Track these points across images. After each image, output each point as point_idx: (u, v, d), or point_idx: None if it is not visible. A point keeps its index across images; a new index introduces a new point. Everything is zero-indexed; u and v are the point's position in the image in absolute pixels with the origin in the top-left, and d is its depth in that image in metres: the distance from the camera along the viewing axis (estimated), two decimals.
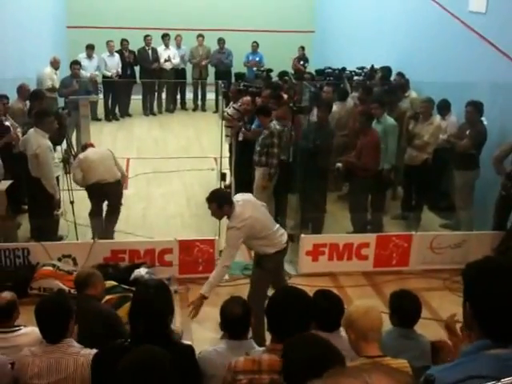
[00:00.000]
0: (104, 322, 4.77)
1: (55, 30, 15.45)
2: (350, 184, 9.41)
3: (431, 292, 7.55)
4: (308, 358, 2.93)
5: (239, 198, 6.29)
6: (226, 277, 7.68)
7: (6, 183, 7.47)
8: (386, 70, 11.48)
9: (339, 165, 8.73)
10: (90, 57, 14.65)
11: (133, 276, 7.14)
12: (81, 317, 4.22)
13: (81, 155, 8.32)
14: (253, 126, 9.04)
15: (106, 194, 8.28)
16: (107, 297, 6.19)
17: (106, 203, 8.48)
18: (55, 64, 12.57)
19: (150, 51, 15.59)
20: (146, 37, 15.57)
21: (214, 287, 6.05)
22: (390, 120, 9.06)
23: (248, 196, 6.42)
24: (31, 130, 7.90)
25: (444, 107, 9.33)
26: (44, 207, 7.86)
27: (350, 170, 8.67)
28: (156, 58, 15.60)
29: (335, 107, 9.90)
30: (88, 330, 4.34)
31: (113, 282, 6.74)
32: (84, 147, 8.71)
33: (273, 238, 6.16)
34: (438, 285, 7.79)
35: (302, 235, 7.89)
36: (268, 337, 4.03)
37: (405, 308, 4.59)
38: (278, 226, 6.35)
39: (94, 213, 8.41)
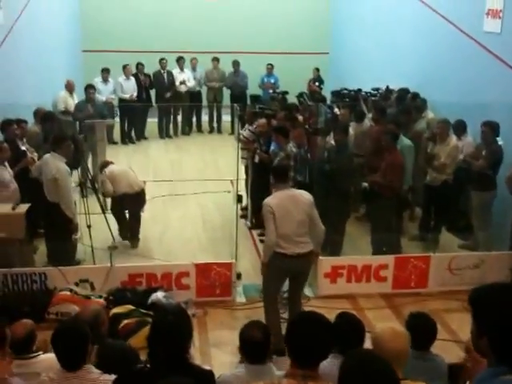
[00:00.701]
0: (123, 358, 4.71)
1: (71, 54, 15.62)
2: (371, 205, 9.33)
3: (450, 313, 7.50)
4: (368, 375, 2.87)
5: (297, 191, 6.54)
6: (244, 300, 7.70)
7: (24, 206, 7.48)
8: (403, 91, 11.47)
9: (365, 185, 8.70)
10: (105, 80, 14.79)
11: (150, 300, 7.11)
12: (101, 357, 4.18)
13: (106, 170, 8.97)
14: (272, 148, 9.04)
15: (134, 202, 9.00)
16: (125, 321, 6.20)
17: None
18: (69, 87, 12.68)
19: (165, 74, 15.69)
20: (161, 60, 15.69)
21: (269, 255, 6.29)
22: (406, 141, 9.04)
23: (301, 195, 6.42)
24: (47, 155, 7.95)
25: (459, 128, 9.29)
26: (62, 232, 7.89)
27: (374, 190, 8.62)
28: (172, 82, 15.69)
29: (351, 128, 9.91)
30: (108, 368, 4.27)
31: (131, 307, 6.72)
32: (105, 164, 9.11)
33: (286, 240, 6.21)
34: (457, 306, 7.67)
35: (320, 257, 7.84)
36: None
37: (419, 330, 4.56)
38: (302, 237, 6.30)
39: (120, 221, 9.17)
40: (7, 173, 7.89)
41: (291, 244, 6.24)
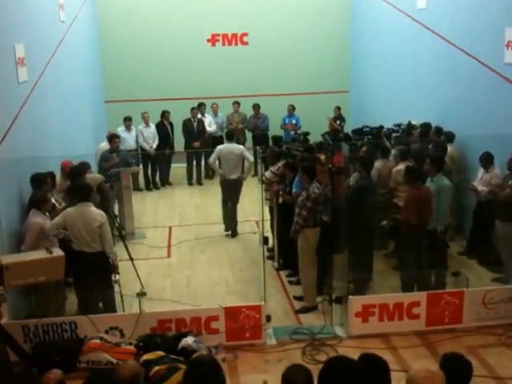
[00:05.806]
0: None
1: (94, 106, 15.81)
2: (396, 241, 9.22)
3: (487, 349, 7.31)
4: None
5: (234, 144, 11.87)
6: (274, 342, 7.59)
7: (58, 250, 7.28)
8: (426, 126, 11.40)
9: (384, 222, 8.61)
10: (128, 129, 14.93)
11: (180, 345, 7.04)
12: None
13: None
14: (294, 190, 9.02)
15: None
16: (156, 367, 6.13)
17: None
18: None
19: (195, 123, 15.72)
20: (192, 109, 15.72)
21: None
22: (445, 180, 8.69)
23: (237, 147, 11.70)
24: (76, 208, 7.86)
25: (486, 159, 9.25)
26: (109, 278, 8.04)
27: (397, 227, 8.52)
28: (202, 130, 15.69)
29: (377, 164, 9.88)
30: None
31: (161, 353, 6.65)
32: None
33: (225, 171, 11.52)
34: (493, 341, 7.53)
35: (350, 296, 7.74)
36: None
37: (453, 372, 4.42)
38: (235, 170, 11.47)
39: None
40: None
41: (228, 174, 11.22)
